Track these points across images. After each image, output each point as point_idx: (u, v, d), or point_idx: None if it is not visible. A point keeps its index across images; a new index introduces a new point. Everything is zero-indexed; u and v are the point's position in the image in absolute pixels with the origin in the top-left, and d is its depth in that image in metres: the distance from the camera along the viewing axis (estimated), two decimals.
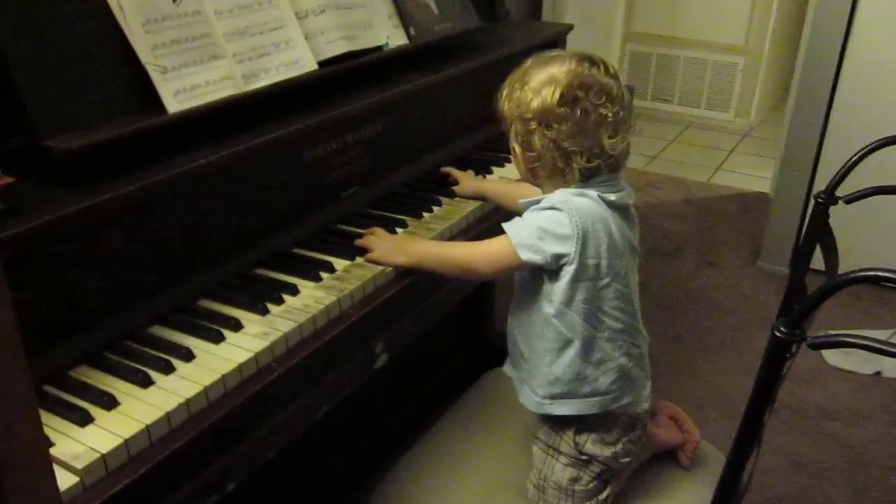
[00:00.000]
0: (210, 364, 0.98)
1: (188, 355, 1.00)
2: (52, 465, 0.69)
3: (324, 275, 1.19)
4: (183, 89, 1.13)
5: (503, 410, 1.45)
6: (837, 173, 1.14)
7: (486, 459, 1.36)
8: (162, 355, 0.99)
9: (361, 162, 1.41)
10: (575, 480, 1.23)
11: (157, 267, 1.08)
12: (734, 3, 4.35)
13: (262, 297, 1.12)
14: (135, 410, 0.90)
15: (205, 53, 1.17)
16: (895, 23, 2.52)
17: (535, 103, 1.10)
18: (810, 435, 2.12)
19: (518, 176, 1.29)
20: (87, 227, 0.97)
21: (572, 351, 1.15)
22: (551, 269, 1.12)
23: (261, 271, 1.21)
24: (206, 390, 0.94)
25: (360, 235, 1.28)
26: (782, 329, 0.80)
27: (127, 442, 0.86)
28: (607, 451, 1.21)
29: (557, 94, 1.08)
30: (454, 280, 1.31)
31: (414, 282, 1.24)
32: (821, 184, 2.72)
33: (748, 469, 0.98)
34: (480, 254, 1.18)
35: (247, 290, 1.15)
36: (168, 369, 0.97)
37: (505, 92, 1.16)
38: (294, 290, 1.14)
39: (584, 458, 1.21)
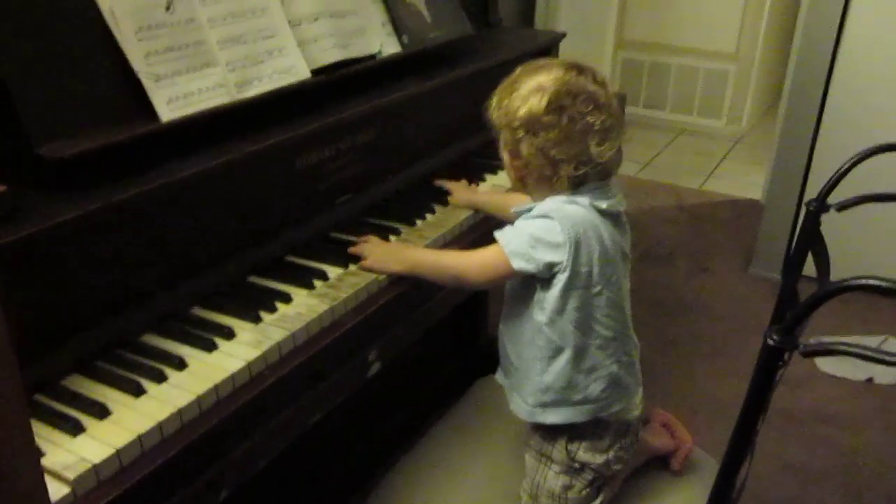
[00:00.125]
0: (203, 372, 0.98)
1: (181, 364, 0.99)
2: (43, 476, 0.69)
3: (317, 282, 1.19)
4: (176, 97, 1.13)
5: (496, 418, 1.45)
6: (829, 181, 1.14)
7: (479, 467, 1.36)
8: (154, 364, 0.99)
9: (355, 169, 1.41)
10: (567, 488, 1.22)
11: (150, 275, 1.08)
12: (725, 11, 4.37)
13: (255, 305, 1.11)
14: (127, 420, 0.90)
15: (198, 61, 1.17)
16: (886, 30, 2.53)
17: (523, 111, 1.10)
18: (803, 440, 2.13)
19: (510, 185, 1.29)
20: (80, 235, 0.97)
21: (563, 359, 1.15)
22: (543, 278, 1.12)
23: (254, 279, 1.21)
24: (199, 399, 0.94)
25: (354, 243, 1.28)
26: (774, 337, 0.80)
27: (119, 452, 0.85)
28: (599, 459, 1.21)
29: (544, 102, 1.09)
30: (447, 288, 1.31)
31: (407, 290, 1.24)
32: (812, 190, 2.73)
33: (741, 475, 0.98)
34: (472, 263, 1.18)
35: (240, 298, 1.15)
36: (160, 378, 0.97)
37: (494, 101, 1.16)
38: (287, 298, 1.14)
39: (577, 465, 1.21)
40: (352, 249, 1.26)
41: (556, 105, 1.09)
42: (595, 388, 1.17)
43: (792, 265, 1.17)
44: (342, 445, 1.74)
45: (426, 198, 1.50)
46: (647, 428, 1.34)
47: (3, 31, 0.99)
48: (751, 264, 3.01)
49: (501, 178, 1.60)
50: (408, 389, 1.99)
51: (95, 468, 0.83)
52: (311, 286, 1.18)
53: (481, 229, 1.42)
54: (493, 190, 1.56)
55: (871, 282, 0.70)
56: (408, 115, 1.54)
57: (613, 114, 1.12)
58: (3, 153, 1.02)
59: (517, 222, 1.15)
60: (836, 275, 0.85)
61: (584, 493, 1.23)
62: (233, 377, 0.98)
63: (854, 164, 1.14)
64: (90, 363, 1.00)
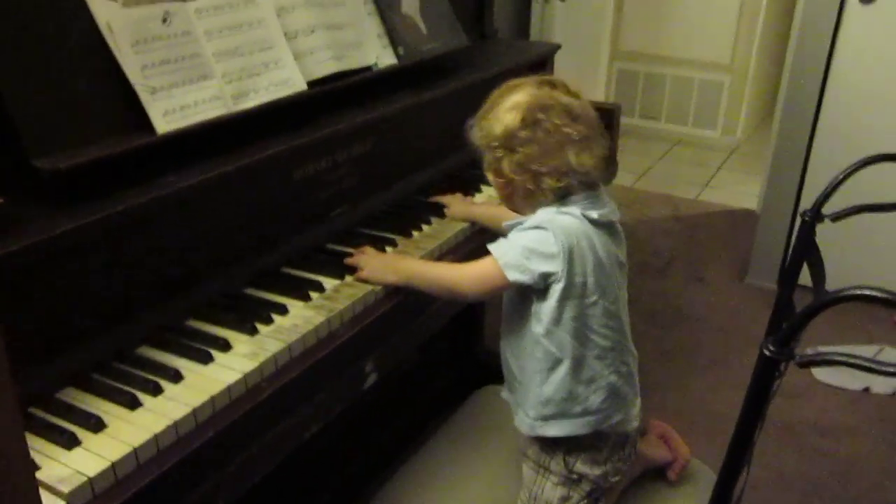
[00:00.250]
0: (199, 385, 0.98)
1: (176, 376, 0.99)
2: (38, 489, 0.69)
3: (313, 294, 1.19)
4: (172, 109, 1.13)
5: (493, 429, 1.44)
6: (824, 191, 1.15)
7: (476, 478, 1.35)
8: (150, 376, 0.98)
9: (351, 181, 1.41)
10: (565, 499, 1.22)
11: (145, 287, 1.08)
12: (720, 22, 4.40)
13: (251, 316, 1.11)
14: (122, 433, 0.89)
15: (194, 73, 1.17)
16: (878, 41, 2.55)
17: (499, 130, 1.14)
18: (800, 451, 2.12)
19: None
20: (76, 247, 0.97)
21: (562, 370, 1.15)
22: (539, 289, 1.12)
23: (250, 291, 1.20)
24: (195, 412, 0.94)
25: (351, 254, 1.28)
26: (771, 348, 0.81)
27: (114, 465, 0.85)
28: (597, 471, 1.21)
29: (518, 119, 1.12)
30: (442, 299, 1.31)
31: (403, 301, 1.24)
32: (807, 200, 2.74)
33: (739, 486, 0.98)
34: (467, 275, 1.18)
35: (236, 309, 1.14)
36: (156, 391, 0.96)
37: (474, 124, 1.19)
38: (283, 310, 1.14)
39: (575, 477, 1.21)
40: (348, 260, 1.27)
41: (531, 120, 1.12)
42: (595, 399, 1.17)
43: (787, 275, 1.17)
44: (339, 457, 1.74)
45: (422, 209, 1.50)
46: (644, 439, 1.34)
47: (2, 43, 0.99)
48: (746, 274, 3.02)
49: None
50: (405, 400, 1.99)
51: (91, 481, 0.83)
52: (307, 298, 1.18)
53: (477, 240, 1.42)
54: (489, 202, 1.56)
55: (867, 292, 0.70)
56: (404, 127, 1.54)
57: (590, 123, 1.14)
58: None
59: (510, 234, 1.16)
60: (831, 285, 0.85)
61: None
62: (229, 389, 0.98)
63: (849, 175, 1.14)
64: (85, 376, 0.99)
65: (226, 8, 1.24)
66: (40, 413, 0.93)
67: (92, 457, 0.86)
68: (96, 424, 0.90)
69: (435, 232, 1.43)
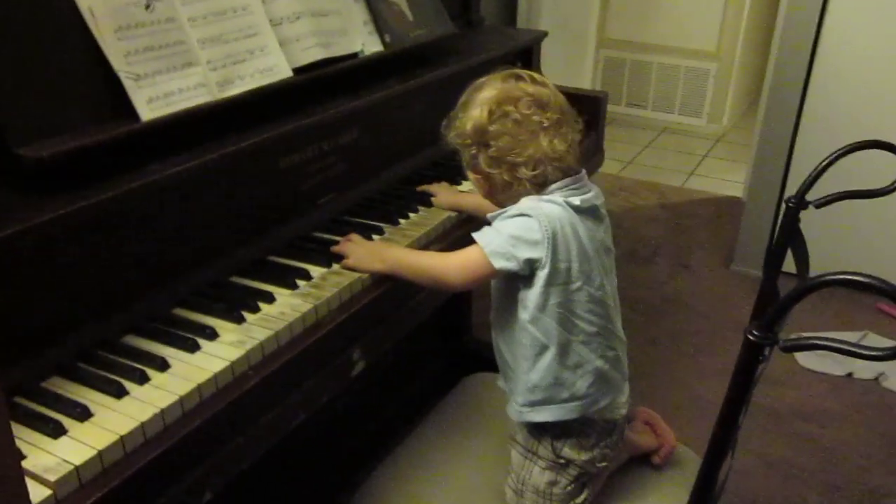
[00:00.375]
0: (185, 373, 0.98)
1: (163, 365, 0.99)
2: (24, 478, 0.68)
3: (300, 282, 1.19)
4: (156, 97, 1.12)
5: (481, 415, 1.45)
6: (808, 178, 1.15)
7: (465, 464, 1.36)
8: (136, 365, 0.98)
9: (337, 169, 1.41)
10: (553, 484, 1.23)
11: (131, 275, 1.07)
12: (706, 10, 4.40)
13: (237, 305, 1.11)
14: (109, 421, 0.89)
15: (179, 60, 1.16)
16: (864, 28, 2.56)
17: (469, 127, 1.16)
18: (784, 436, 2.15)
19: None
20: (60, 236, 0.96)
21: (549, 356, 1.16)
22: (525, 275, 1.13)
23: (236, 279, 1.20)
24: (182, 400, 0.93)
25: (337, 242, 1.28)
26: (755, 332, 0.81)
27: (101, 453, 0.85)
28: (584, 456, 1.22)
29: (486, 113, 1.14)
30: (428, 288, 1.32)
31: (391, 288, 1.24)
32: (792, 188, 2.76)
33: (723, 471, 0.99)
34: (452, 264, 1.18)
35: (222, 298, 1.14)
36: (142, 379, 0.96)
37: (447, 125, 1.21)
38: (270, 298, 1.14)
39: (562, 462, 1.22)
40: (334, 248, 1.26)
41: (500, 113, 1.14)
42: (581, 384, 1.18)
43: (771, 262, 1.18)
44: (327, 445, 1.74)
45: (409, 197, 1.50)
46: (630, 426, 1.35)
47: None
48: (732, 262, 3.04)
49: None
50: (393, 388, 1.99)
51: (77, 470, 0.82)
52: (294, 286, 1.17)
53: (464, 229, 1.42)
54: (476, 190, 1.56)
55: (850, 276, 0.71)
56: (390, 115, 1.54)
57: (560, 109, 1.16)
58: None
59: (495, 222, 1.16)
60: (816, 271, 0.85)
61: (568, 488, 1.23)
62: (216, 377, 0.98)
63: (833, 161, 1.15)
64: (71, 365, 0.99)
65: None
66: (25, 402, 0.92)
67: (78, 445, 0.85)
68: (82, 413, 0.90)
69: (422, 220, 1.42)
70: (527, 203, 1.14)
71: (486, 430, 1.42)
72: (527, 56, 2.01)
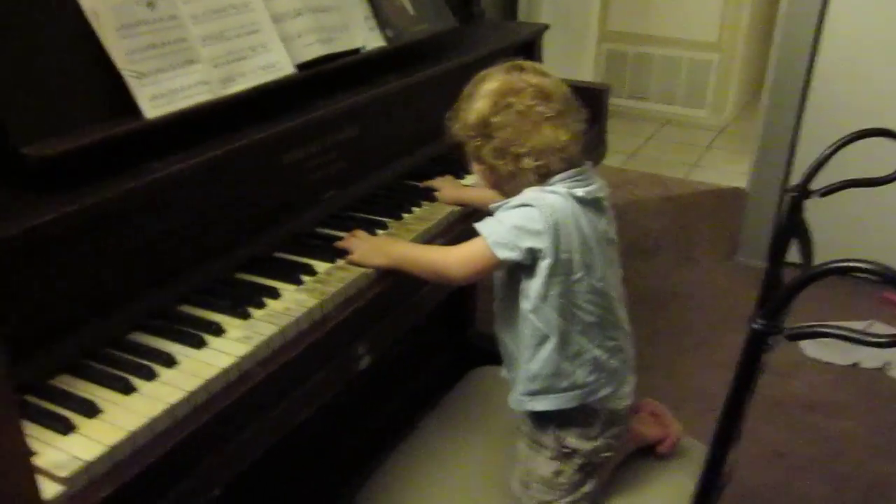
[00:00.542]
0: (192, 369, 0.98)
1: (170, 361, 0.99)
2: (34, 475, 0.69)
3: (305, 278, 1.19)
4: (160, 94, 1.12)
5: (487, 408, 1.45)
6: (811, 167, 1.15)
7: (472, 457, 1.36)
8: (143, 362, 0.99)
9: (340, 164, 1.41)
10: (558, 473, 1.24)
11: (137, 273, 1.08)
12: (707, 1, 4.39)
13: (243, 301, 1.11)
14: (117, 417, 0.90)
15: (181, 58, 1.16)
16: (867, 16, 2.56)
17: (473, 118, 1.17)
18: (790, 427, 2.15)
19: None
20: (65, 234, 0.97)
21: (549, 346, 1.16)
22: (527, 265, 1.13)
23: (241, 275, 1.20)
24: (190, 396, 0.94)
25: (341, 238, 1.28)
26: (760, 321, 0.81)
27: (111, 449, 0.85)
28: (589, 446, 1.22)
29: (489, 104, 1.15)
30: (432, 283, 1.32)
31: (396, 283, 1.24)
32: (796, 178, 2.75)
33: (729, 461, 0.99)
34: (455, 257, 1.19)
35: (228, 294, 1.14)
36: (150, 376, 0.97)
37: (451, 117, 1.21)
38: (275, 294, 1.14)
39: (567, 451, 1.22)
40: (338, 244, 1.27)
41: (503, 104, 1.15)
42: (581, 373, 1.18)
43: (775, 252, 1.18)
44: (333, 439, 1.75)
45: (413, 192, 1.50)
46: (636, 417, 1.35)
47: None
48: (736, 253, 3.04)
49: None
50: (398, 382, 1.99)
51: (88, 466, 0.83)
52: (299, 281, 1.18)
53: (469, 222, 1.42)
54: (480, 184, 1.56)
55: (854, 264, 0.71)
56: (393, 110, 1.54)
57: (563, 100, 1.17)
58: None
59: (497, 213, 1.17)
60: (820, 261, 0.85)
61: (574, 478, 1.24)
62: (223, 373, 0.98)
63: (836, 150, 1.15)
64: (79, 362, 0.99)
65: None
66: (34, 400, 0.93)
67: (88, 442, 0.86)
68: (91, 410, 0.90)
69: (426, 215, 1.43)
70: (530, 194, 1.14)
71: (492, 423, 1.42)
72: (528, 49, 2.01)
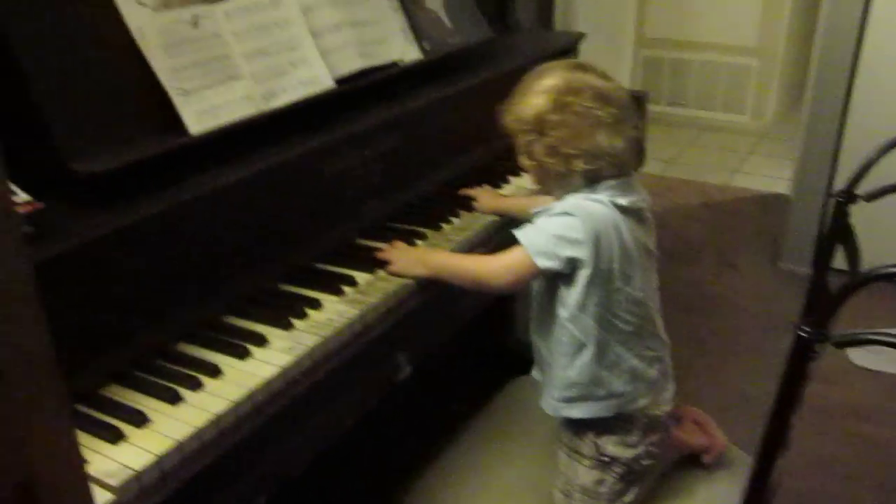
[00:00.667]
0: (237, 379, 1.00)
1: (215, 371, 1.01)
2: (87, 484, 0.70)
3: (346, 288, 1.20)
4: (204, 110, 1.15)
5: (528, 418, 1.45)
6: (856, 171, 1.14)
7: (513, 467, 1.36)
8: (190, 372, 1.00)
9: (380, 176, 1.42)
10: (599, 483, 1.23)
11: (183, 285, 1.10)
12: (746, 5, 4.33)
13: (286, 312, 1.13)
14: (165, 427, 0.91)
15: (224, 74, 1.19)
16: None
17: (530, 113, 1.15)
18: (839, 436, 2.10)
19: (534, 187, 1.31)
20: (115, 249, 0.99)
21: (587, 354, 1.16)
22: (566, 274, 1.13)
23: (284, 286, 1.22)
24: (235, 406, 0.95)
25: (381, 249, 1.29)
26: (806, 329, 0.80)
27: (160, 458, 0.87)
28: (629, 453, 1.21)
29: (549, 102, 1.13)
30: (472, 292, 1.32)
31: (436, 293, 1.24)
32: (840, 182, 2.70)
33: (776, 471, 0.98)
34: (496, 267, 1.19)
35: (271, 305, 1.16)
36: (196, 386, 0.98)
37: (506, 108, 1.20)
38: (317, 305, 1.16)
39: (606, 459, 1.22)
40: (378, 255, 1.28)
41: (562, 103, 1.13)
42: (618, 383, 1.17)
43: (821, 258, 1.16)
44: (373, 449, 1.75)
45: (451, 202, 1.51)
46: (679, 425, 1.34)
47: (38, 49, 1.01)
48: (779, 259, 2.99)
49: (525, 179, 1.60)
50: (438, 391, 2.00)
51: (138, 475, 0.85)
52: (340, 292, 1.19)
53: (507, 233, 1.43)
54: (518, 193, 1.57)
55: None
56: (431, 121, 1.55)
57: (621, 106, 1.15)
58: (35, 170, 1.04)
59: (537, 221, 1.16)
60: (868, 266, 0.84)
61: (616, 487, 1.23)
62: (268, 383, 0.99)
63: (882, 153, 1.13)
64: (127, 372, 1.02)
65: (253, 9, 1.26)
66: (85, 409, 0.95)
67: (138, 451, 0.88)
68: (140, 419, 0.92)
69: (464, 225, 1.43)
70: (571, 201, 1.14)
71: (533, 433, 1.42)
72: (566, 58, 2.01)
